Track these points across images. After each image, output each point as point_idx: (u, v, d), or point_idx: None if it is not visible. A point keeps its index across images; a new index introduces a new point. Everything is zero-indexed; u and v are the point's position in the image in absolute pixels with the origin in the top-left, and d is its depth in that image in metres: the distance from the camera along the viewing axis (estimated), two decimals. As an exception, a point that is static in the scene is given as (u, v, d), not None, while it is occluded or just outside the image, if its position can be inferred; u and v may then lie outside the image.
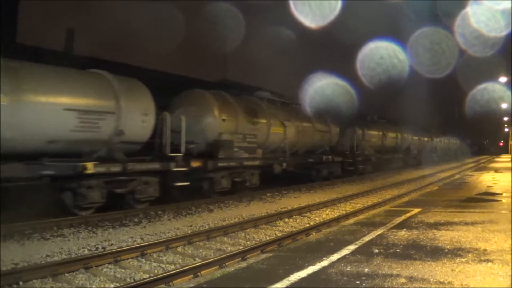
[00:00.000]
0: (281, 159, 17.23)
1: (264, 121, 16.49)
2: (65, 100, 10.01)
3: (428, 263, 4.74)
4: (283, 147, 17.48)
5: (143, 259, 7.22)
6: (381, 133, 29.05)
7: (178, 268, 6.44)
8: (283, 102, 18.83)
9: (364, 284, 4.04)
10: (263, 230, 9.81)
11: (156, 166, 11.78)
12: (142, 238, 8.52)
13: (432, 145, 42.73)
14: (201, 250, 7.92)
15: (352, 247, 5.53)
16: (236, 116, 15.01)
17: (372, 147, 26.81)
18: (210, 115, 14.17)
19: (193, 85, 15.52)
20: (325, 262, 4.81)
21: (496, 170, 25.47)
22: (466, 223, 7.21)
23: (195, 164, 13.05)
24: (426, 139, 41.19)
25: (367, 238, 6.10)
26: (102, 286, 6.00)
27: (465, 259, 4.91)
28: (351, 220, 8.37)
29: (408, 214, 8.30)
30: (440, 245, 5.62)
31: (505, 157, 57.67)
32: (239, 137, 14.82)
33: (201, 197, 13.44)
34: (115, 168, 10.75)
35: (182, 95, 14.55)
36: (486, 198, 11.05)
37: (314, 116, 20.18)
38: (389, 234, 6.40)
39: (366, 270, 4.50)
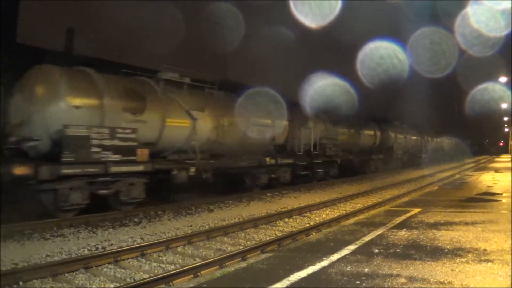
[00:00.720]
0: (188, 163, 12.88)
1: (155, 110, 11.93)
2: None
3: (428, 263, 4.74)
4: (193, 146, 13.11)
5: (143, 259, 7.22)
6: (353, 130, 24.47)
7: (178, 268, 6.44)
8: (195, 86, 13.93)
9: (364, 284, 4.04)
10: (263, 230, 9.81)
11: None
12: (142, 238, 8.52)
13: (421, 145, 38.87)
14: (201, 250, 7.92)
15: (352, 247, 5.53)
16: (102, 102, 10.70)
17: (339, 147, 21.94)
18: (55, 99, 10.09)
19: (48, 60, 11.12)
20: (325, 262, 4.81)
21: (496, 170, 25.47)
22: (466, 223, 7.21)
23: (20, 170, 9.31)
24: (414, 138, 36.90)
25: (367, 238, 6.10)
26: (102, 286, 6.00)
27: (465, 259, 4.91)
28: (351, 220, 8.37)
29: (408, 214, 8.30)
30: (440, 245, 5.62)
31: (505, 157, 57.69)
32: (103, 131, 10.40)
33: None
34: None
35: (27, 74, 10.57)
36: (486, 198, 11.05)
37: (248, 105, 15.28)
38: (389, 234, 6.40)
39: (366, 270, 4.50)
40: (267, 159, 16.41)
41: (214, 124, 13.92)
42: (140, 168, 11.28)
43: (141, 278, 6.10)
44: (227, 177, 15.41)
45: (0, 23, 15.46)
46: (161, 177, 12.29)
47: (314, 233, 8.57)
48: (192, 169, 12.96)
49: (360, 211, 11.88)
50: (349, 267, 4.62)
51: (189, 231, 9.14)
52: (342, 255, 5.14)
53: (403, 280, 4.15)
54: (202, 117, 13.35)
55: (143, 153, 11.35)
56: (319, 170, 20.19)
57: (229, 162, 14.66)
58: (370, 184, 20.41)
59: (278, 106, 16.94)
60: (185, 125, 12.85)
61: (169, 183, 12.55)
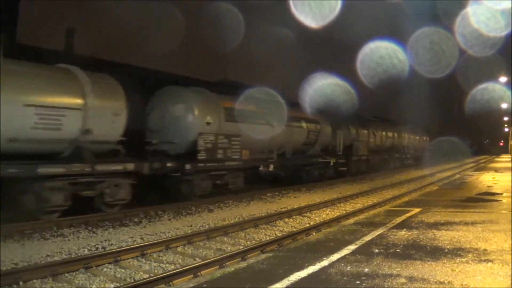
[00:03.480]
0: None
1: None
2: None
3: (428, 263, 4.74)
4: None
5: (143, 259, 7.22)
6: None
7: (178, 268, 6.44)
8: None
9: (364, 284, 4.04)
10: (263, 230, 9.81)
11: None
12: (142, 238, 8.52)
13: (342, 140, 22.57)
14: (201, 250, 7.92)
15: (352, 247, 5.53)
16: None
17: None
18: None
19: None
20: (325, 262, 4.81)
21: (496, 170, 25.47)
22: (466, 223, 7.21)
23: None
24: (322, 128, 20.71)
25: (367, 238, 6.10)
26: (102, 286, 6.00)
27: (465, 259, 4.92)
28: (351, 220, 8.37)
29: (408, 214, 8.30)
30: (440, 245, 5.62)
31: (505, 157, 57.66)
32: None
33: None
34: None
35: None
36: (486, 198, 11.05)
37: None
38: (389, 234, 6.40)
39: (366, 270, 4.50)
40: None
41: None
42: None
43: (141, 278, 6.10)
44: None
45: (0, 23, 15.45)
46: None
47: (314, 233, 8.57)
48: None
49: (360, 211, 11.88)
50: (349, 267, 4.62)
51: (189, 231, 9.14)
52: (342, 255, 5.14)
53: (403, 280, 4.15)
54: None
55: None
56: None
57: None
58: (370, 184, 20.41)
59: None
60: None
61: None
